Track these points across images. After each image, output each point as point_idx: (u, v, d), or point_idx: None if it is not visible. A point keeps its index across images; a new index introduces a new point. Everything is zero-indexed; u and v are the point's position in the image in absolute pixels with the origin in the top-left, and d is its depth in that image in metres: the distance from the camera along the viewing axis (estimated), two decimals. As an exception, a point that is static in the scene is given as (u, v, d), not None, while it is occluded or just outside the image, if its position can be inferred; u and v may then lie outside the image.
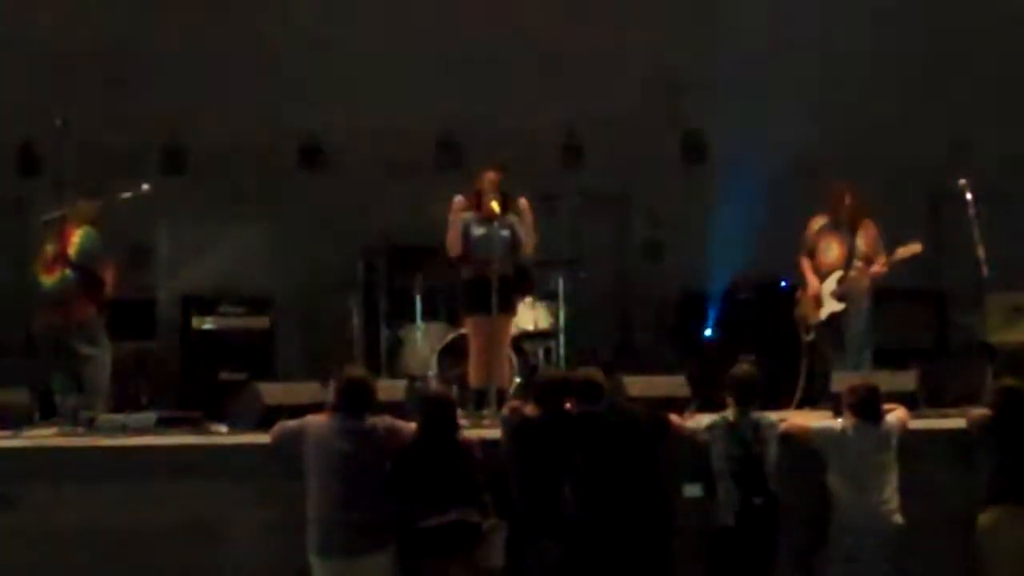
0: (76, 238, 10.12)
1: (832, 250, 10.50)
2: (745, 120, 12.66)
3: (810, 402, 10.21)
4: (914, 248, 10.25)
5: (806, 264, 10.60)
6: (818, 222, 10.60)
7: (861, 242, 10.41)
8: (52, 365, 10.23)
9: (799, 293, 10.65)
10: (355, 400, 8.11)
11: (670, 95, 12.76)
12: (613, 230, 13.07)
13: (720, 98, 12.75)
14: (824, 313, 10.44)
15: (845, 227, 10.47)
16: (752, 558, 8.28)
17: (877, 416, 8.41)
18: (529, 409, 8.42)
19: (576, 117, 12.79)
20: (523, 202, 10.28)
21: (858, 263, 10.38)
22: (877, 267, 10.34)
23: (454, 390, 9.91)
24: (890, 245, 10.40)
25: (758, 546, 8.28)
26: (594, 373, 8.55)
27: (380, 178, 12.65)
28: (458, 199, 10.25)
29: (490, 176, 10.31)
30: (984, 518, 8.38)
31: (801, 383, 10.34)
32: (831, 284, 10.44)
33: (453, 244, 10.25)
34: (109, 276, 10.15)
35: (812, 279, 10.54)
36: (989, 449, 8.48)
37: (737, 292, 12.56)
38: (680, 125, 12.87)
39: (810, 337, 10.52)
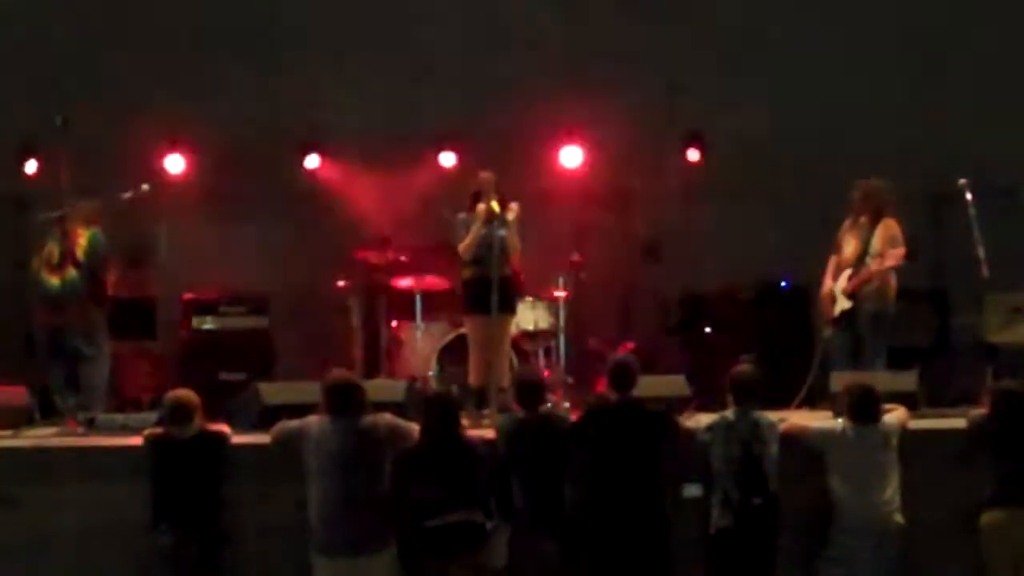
0: (83, 240, 10.13)
1: (849, 247, 10.45)
2: (744, 120, 12.65)
3: (810, 402, 10.21)
4: (898, 254, 10.23)
5: (830, 263, 10.55)
6: (847, 222, 10.56)
7: (876, 239, 10.33)
8: (52, 365, 10.24)
9: (820, 292, 10.63)
10: (341, 402, 8.12)
11: (670, 95, 12.73)
12: (613, 230, 13.04)
13: (720, 98, 12.74)
14: (837, 310, 10.42)
15: (864, 224, 10.41)
16: (752, 559, 8.28)
17: (874, 416, 8.41)
18: (522, 413, 8.42)
19: (576, 117, 12.76)
20: (514, 207, 10.27)
21: (871, 260, 10.32)
22: (875, 265, 10.29)
23: (454, 390, 9.91)
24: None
25: (758, 547, 8.28)
26: (628, 359, 8.54)
27: (380, 177, 12.62)
28: (481, 207, 10.21)
29: (488, 177, 10.31)
30: (986, 519, 8.38)
31: (809, 381, 10.31)
32: (843, 281, 10.41)
33: (467, 248, 10.24)
34: (112, 277, 10.19)
35: (827, 278, 10.51)
36: (989, 450, 8.48)
37: (737, 292, 12.52)
38: (680, 125, 12.85)
39: (827, 334, 10.48)
